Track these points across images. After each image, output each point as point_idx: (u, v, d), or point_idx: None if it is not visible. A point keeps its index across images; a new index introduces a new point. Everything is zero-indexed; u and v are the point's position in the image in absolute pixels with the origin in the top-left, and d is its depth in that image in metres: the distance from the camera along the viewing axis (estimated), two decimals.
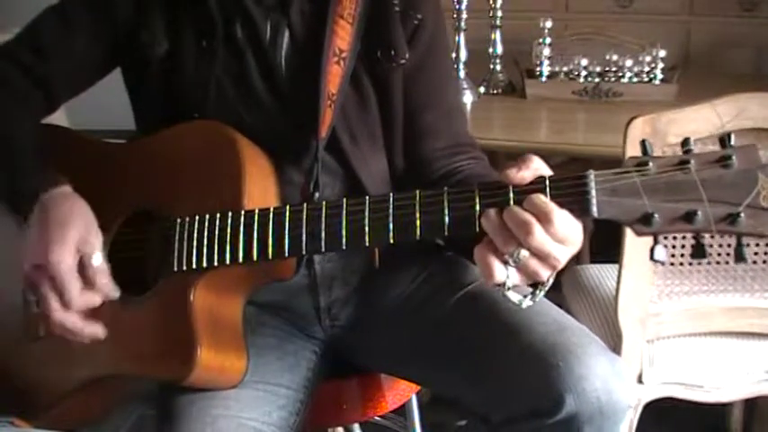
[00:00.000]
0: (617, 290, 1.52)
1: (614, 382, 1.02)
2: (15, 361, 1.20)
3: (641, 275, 1.49)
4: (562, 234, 0.88)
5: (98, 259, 1.06)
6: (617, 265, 1.51)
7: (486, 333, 1.10)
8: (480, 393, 1.11)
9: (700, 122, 1.43)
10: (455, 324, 1.16)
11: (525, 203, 0.89)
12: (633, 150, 1.41)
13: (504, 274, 0.90)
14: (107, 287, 1.07)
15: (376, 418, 1.56)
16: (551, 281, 0.94)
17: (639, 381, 1.58)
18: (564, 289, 1.84)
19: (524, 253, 0.89)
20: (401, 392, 1.40)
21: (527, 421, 1.04)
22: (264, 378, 1.17)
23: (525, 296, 0.95)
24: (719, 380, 1.61)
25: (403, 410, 1.56)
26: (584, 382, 1.00)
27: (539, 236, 0.88)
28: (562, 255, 0.90)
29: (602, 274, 1.79)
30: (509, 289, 0.94)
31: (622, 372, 1.04)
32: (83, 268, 1.05)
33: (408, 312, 1.23)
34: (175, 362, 1.07)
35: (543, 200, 0.89)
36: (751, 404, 2.05)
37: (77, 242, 1.05)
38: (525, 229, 0.88)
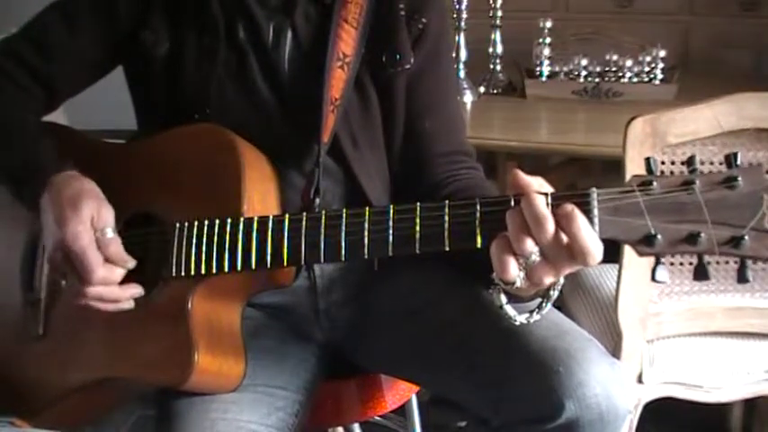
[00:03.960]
0: (617, 290, 1.52)
1: (615, 387, 1.01)
2: (15, 361, 1.20)
3: (641, 275, 1.49)
4: (576, 240, 0.87)
5: (110, 232, 1.08)
6: (617, 265, 1.51)
7: (486, 336, 1.10)
8: (479, 397, 1.11)
9: (699, 122, 1.43)
10: (454, 327, 1.15)
11: (562, 221, 0.87)
12: (633, 150, 1.42)
13: (516, 271, 0.90)
14: (121, 256, 1.08)
15: (376, 418, 1.56)
16: (553, 297, 0.94)
17: (639, 381, 1.58)
18: (564, 289, 1.83)
19: (535, 258, 0.88)
20: (401, 392, 1.40)
21: (527, 426, 1.03)
22: (263, 380, 1.17)
23: (523, 313, 0.95)
24: (719, 380, 1.61)
25: (403, 410, 1.55)
26: (585, 388, 1.00)
27: (551, 232, 0.87)
28: (569, 263, 0.89)
29: (602, 274, 1.79)
30: (507, 303, 0.94)
31: (623, 377, 1.04)
32: (98, 242, 1.07)
33: (408, 314, 1.22)
34: (173, 367, 1.07)
35: (570, 207, 0.87)
36: (751, 404, 2.05)
37: (90, 217, 1.07)
38: (540, 224, 0.87)
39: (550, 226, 0.87)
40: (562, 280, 0.93)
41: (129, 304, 1.10)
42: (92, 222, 1.07)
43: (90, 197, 1.08)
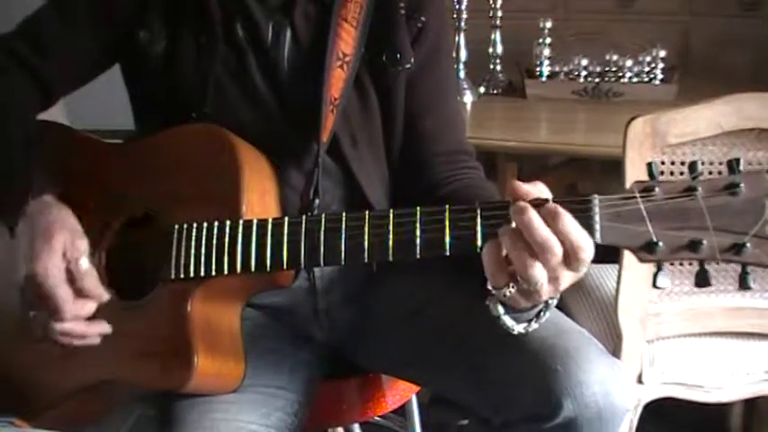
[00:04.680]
0: (617, 290, 1.52)
1: (613, 386, 1.01)
2: (16, 362, 1.20)
3: (641, 276, 1.49)
4: (579, 254, 0.87)
5: (84, 263, 1.06)
6: (617, 266, 1.51)
7: (485, 336, 1.10)
8: (479, 396, 1.11)
9: (700, 122, 1.43)
10: (454, 327, 1.15)
11: (548, 219, 0.86)
12: (633, 150, 1.42)
13: (504, 282, 0.90)
14: (96, 290, 1.06)
15: (376, 418, 1.56)
16: (552, 305, 0.94)
17: (639, 381, 1.58)
18: (564, 289, 1.83)
19: (542, 282, 0.87)
20: (401, 392, 1.40)
21: (525, 425, 1.03)
22: (263, 381, 1.17)
23: (521, 323, 0.95)
24: (719, 380, 1.61)
25: (403, 410, 1.55)
26: (583, 387, 0.99)
27: (558, 256, 0.86)
28: (570, 278, 0.89)
29: (602, 274, 1.79)
30: (505, 314, 0.94)
31: (621, 376, 1.04)
32: (71, 275, 1.05)
33: (408, 315, 1.22)
34: (173, 371, 1.07)
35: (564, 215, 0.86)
36: (751, 404, 2.05)
37: (63, 249, 1.05)
38: (547, 248, 0.86)
39: (558, 249, 0.86)
40: None
41: (96, 340, 1.08)
42: (65, 254, 1.05)
43: (63, 227, 1.06)
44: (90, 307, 1.06)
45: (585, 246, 0.87)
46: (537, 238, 0.86)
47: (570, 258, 0.87)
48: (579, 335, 1.07)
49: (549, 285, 0.89)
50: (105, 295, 1.07)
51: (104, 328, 1.08)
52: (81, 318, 1.06)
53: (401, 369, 1.28)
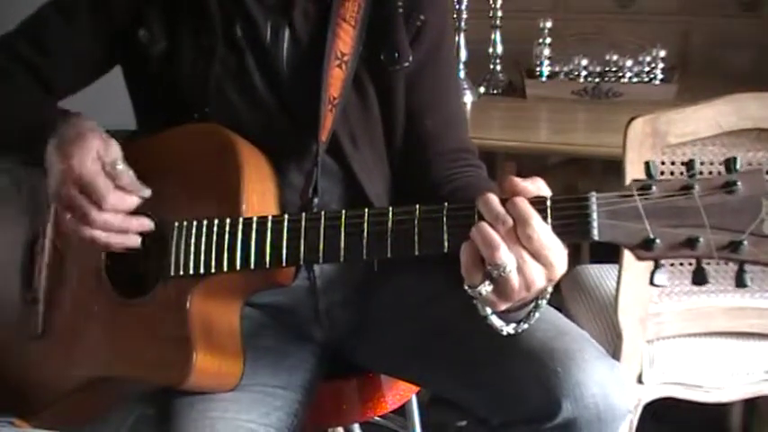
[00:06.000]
0: (617, 290, 1.52)
1: (612, 387, 1.01)
2: (15, 360, 1.21)
3: (641, 276, 1.49)
4: (542, 242, 0.87)
5: (119, 164, 1.07)
6: (617, 266, 1.51)
7: (485, 336, 1.10)
8: (479, 396, 1.11)
9: (699, 122, 1.43)
10: (454, 327, 1.15)
11: (508, 206, 0.88)
12: (633, 150, 1.42)
13: (479, 279, 0.89)
14: (135, 185, 1.08)
15: (376, 418, 1.56)
16: (542, 306, 0.93)
17: (639, 381, 1.58)
18: (563, 289, 1.84)
19: (509, 268, 0.87)
20: (401, 392, 1.40)
21: (525, 426, 1.03)
22: (262, 380, 1.17)
23: (510, 323, 0.94)
24: (719, 380, 1.61)
25: (403, 410, 1.56)
26: (582, 388, 1.00)
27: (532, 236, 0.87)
28: (538, 270, 0.88)
29: (602, 274, 1.79)
30: (492, 314, 0.93)
31: (621, 377, 1.04)
32: (109, 177, 1.06)
33: (407, 315, 1.22)
34: (172, 367, 1.07)
35: (526, 205, 0.88)
36: (751, 404, 2.05)
37: (97, 151, 1.07)
38: (501, 220, 0.87)
39: (508, 219, 0.87)
40: (550, 288, 0.92)
41: (136, 240, 1.09)
42: (99, 156, 1.06)
43: (94, 135, 1.08)
44: (132, 200, 1.07)
45: (536, 225, 0.87)
46: (492, 212, 0.88)
47: (522, 238, 0.87)
48: (579, 336, 1.07)
49: (519, 277, 0.88)
50: (146, 191, 1.08)
51: (146, 222, 1.09)
52: (121, 211, 1.07)
53: (401, 369, 1.28)
